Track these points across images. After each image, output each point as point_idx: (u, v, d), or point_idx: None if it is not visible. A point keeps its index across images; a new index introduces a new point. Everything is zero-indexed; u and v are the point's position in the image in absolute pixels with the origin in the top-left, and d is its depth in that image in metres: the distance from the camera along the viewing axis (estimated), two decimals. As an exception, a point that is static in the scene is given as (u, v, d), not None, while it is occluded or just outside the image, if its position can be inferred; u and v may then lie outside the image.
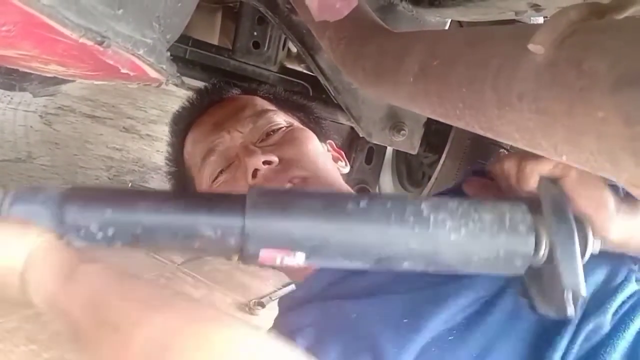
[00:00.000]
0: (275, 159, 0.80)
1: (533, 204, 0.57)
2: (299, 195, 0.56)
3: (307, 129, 0.93)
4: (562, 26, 0.33)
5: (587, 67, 0.29)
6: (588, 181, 0.55)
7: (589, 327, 0.58)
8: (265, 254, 0.53)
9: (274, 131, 0.88)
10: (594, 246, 0.55)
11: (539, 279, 0.58)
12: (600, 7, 0.34)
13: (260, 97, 1.01)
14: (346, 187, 0.89)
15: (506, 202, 0.56)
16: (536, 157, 0.56)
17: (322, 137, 0.98)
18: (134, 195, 0.54)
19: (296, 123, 0.95)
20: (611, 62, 0.28)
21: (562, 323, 0.59)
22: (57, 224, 0.52)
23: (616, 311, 0.60)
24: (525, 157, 0.57)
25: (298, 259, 0.53)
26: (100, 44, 0.38)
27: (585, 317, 0.59)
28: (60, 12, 0.33)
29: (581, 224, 0.56)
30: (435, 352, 0.60)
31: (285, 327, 0.67)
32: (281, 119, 0.91)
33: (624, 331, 0.58)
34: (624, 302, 0.61)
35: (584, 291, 0.51)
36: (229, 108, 0.95)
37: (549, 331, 0.60)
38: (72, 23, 0.34)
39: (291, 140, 0.86)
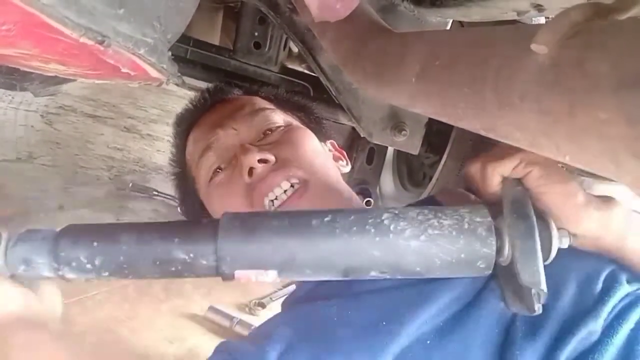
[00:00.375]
0: (271, 157, 0.80)
1: (496, 206, 0.58)
2: (267, 216, 0.59)
3: (306, 129, 0.93)
4: (564, 26, 0.33)
5: (589, 68, 0.29)
6: (553, 176, 0.55)
7: (581, 334, 0.58)
8: (240, 274, 0.56)
9: (271, 130, 0.88)
10: (561, 242, 0.56)
11: (508, 277, 0.59)
12: (603, 8, 0.34)
13: (261, 97, 1.01)
14: (346, 187, 0.89)
15: (467, 207, 0.58)
16: (497, 159, 0.57)
17: (323, 136, 0.98)
18: (118, 228, 0.59)
19: (295, 122, 0.94)
20: (614, 63, 0.28)
21: (540, 328, 0.59)
22: (54, 258, 0.57)
23: (607, 315, 0.59)
24: (487, 159, 0.58)
25: (271, 276, 0.56)
26: (101, 43, 0.37)
27: (575, 323, 0.59)
28: (61, 11, 0.33)
29: (544, 221, 0.56)
30: (412, 358, 0.60)
31: (266, 329, 0.68)
32: (279, 117, 0.91)
33: (613, 336, 0.58)
34: (614, 306, 0.60)
35: (545, 287, 0.53)
36: (228, 108, 0.96)
37: (525, 334, 0.59)
38: (73, 22, 0.34)
39: (289, 139, 0.86)
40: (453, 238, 0.54)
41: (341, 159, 0.99)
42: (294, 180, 0.79)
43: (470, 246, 0.54)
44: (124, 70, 0.47)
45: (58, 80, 1.34)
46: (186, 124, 1.00)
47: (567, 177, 0.56)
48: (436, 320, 0.62)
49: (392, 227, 0.55)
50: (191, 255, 0.56)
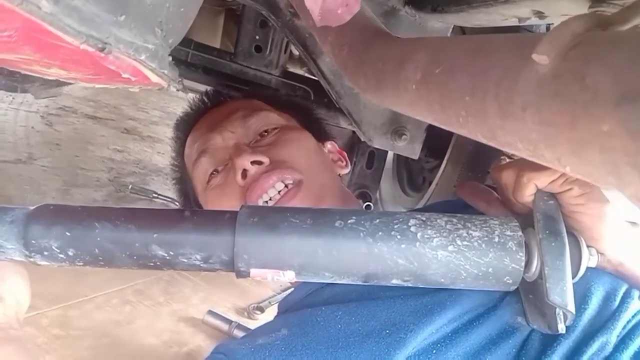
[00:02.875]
0: (265, 159, 0.80)
1: (527, 219, 0.57)
2: (288, 213, 0.56)
3: (302, 129, 0.93)
4: (566, 37, 0.33)
5: (590, 81, 0.29)
6: (590, 196, 0.54)
7: (592, 349, 0.57)
8: (256, 273, 0.54)
9: (267, 131, 0.89)
10: (589, 261, 0.55)
11: (533, 293, 0.57)
12: (604, 18, 0.34)
13: (258, 99, 1.02)
14: (342, 188, 0.89)
15: (497, 218, 0.56)
16: (535, 168, 0.55)
17: (322, 137, 0.99)
18: (94, 216, 0.55)
19: (292, 123, 0.95)
20: (615, 76, 0.28)
21: (553, 342, 0.58)
22: (24, 245, 0.54)
23: (620, 331, 0.59)
24: (524, 167, 0.57)
25: (288, 277, 0.54)
26: (102, 50, 0.37)
27: (587, 337, 0.58)
28: (62, 19, 0.33)
29: (574, 238, 0.55)
30: None
31: (264, 332, 0.67)
32: (275, 119, 0.92)
33: (624, 351, 0.57)
34: (628, 321, 0.60)
35: (573, 308, 0.51)
36: (224, 110, 0.96)
37: (539, 350, 0.58)
38: (74, 30, 0.34)
39: (284, 141, 0.86)
40: (482, 251, 0.52)
41: (340, 160, 1.00)
42: (289, 182, 0.79)
43: (499, 261, 0.52)
44: (124, 75, 0.47)
45: (59, 83, 1.34)
46: (185, 128, 1.00)
47: (603, 198, 0.55)
48: (444, 331, 0.61)
49: (419, 235, 0.53)
50: (171, 252, 0.53)
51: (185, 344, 1.30)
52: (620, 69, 0.28)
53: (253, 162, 0.79)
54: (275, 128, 0.90)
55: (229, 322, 1.40)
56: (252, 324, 1.43)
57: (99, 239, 0.53)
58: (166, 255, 0.53)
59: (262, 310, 1.54)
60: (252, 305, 1.56)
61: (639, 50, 0.29)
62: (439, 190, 1.50)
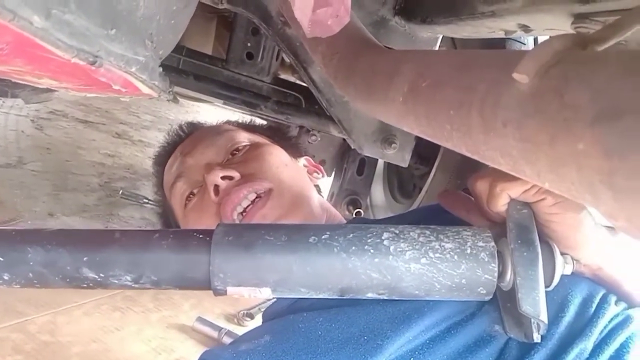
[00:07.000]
0: (235, 173, 0.83)
1: (499, 227, 0.57)
2: (262, 230, 0.57)
3: (272, 145, 0.96)
4: (546, 56, 0.34)
5: (569, 99, 0.30)
6: (565, 205, 0.55)
7: (570, 356, 0.58)
8: (232, 291, 0.54)
9: (238, 149, 0.92)
10: (564, 269, 0.56)
11: (510, 302, 0.58)
12: (585, 38, 0.35)
13: (227, 123, 1.06)
14: (318, 199, 0.91)
15: (470, 229, 0.56)
16: (508, 178, 0.56)
17: (296, 153, 1.02)
18: (26, 241, 0.55)
19: (262, 140, 0.97)
20: (592, 95, 0.28)
21: (530, 350, 0.58)
22: None
23: (597, 336, 0.60)
24: (497, 177, 0.57)
25: (264, 294, 0.55)
26: (93, 63, 0.38)
27: (565, 345, 0.59)
28: (53, 34, 0.33)
29: (548, 246, 0.56)
30: None
31: (247, 339, 0.68)
32: (244, 137, 0.95)
33: (599, 356, 0.58)
34: (605, 327, 0.60)
35: (545, 318, 0.52)
36: (195, 137, 1.01)
37: (516, 359, 0.59)
38: (65, 45, 0.34)
39: (255, 155, 0.90)
40: (454, 263, 0.53)
41: (316, 172, 1.02)
42: (261, 192, 0.81)
43: (472, 272, 0.53)
44: (115, 87, 0.47)
45: (50, 89, 1.34)
46: (162, 161, 1.04)
47: (579, 206, 0.55)
48: (422, 338, 0.61)
49: (392, 249, 0.54)
50: (102, 274, 0.53)
51: (175, 351, 1.30)
52: (598, 88, 0.29)
53: (224, 177, 0.82)
54: (246, 145, 0.93)
55: (219, 328, 1.40)
56: (242, 331, 1.42)
57: (31, 263, 0.54)
58: (97, 277, 0.54)
59: (251, 316, 1.54)
60: (242, 312, 1.55)
61: (617, 70, 0.29)
62: (428, 196, 1.51)
